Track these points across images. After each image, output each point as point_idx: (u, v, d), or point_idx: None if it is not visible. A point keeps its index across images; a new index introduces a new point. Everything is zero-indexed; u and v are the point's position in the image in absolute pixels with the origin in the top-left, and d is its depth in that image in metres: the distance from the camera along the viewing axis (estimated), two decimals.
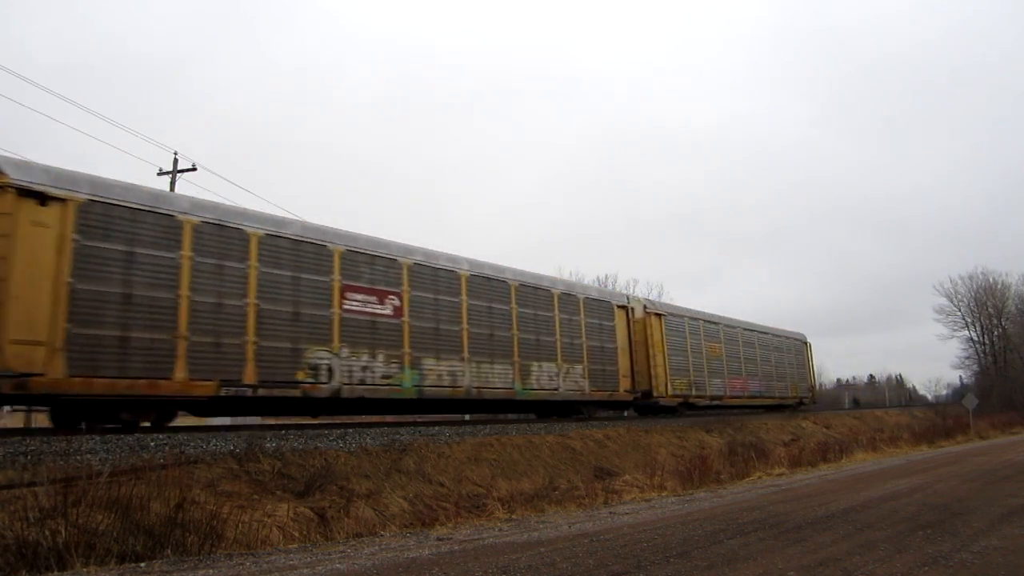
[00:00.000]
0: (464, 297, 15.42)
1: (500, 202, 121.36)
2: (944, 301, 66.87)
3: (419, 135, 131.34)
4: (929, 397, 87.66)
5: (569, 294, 18.76)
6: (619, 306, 20.52)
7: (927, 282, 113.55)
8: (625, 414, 23.71)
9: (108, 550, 5.59)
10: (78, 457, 8.26)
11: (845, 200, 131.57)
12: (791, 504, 9.23)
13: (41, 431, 10.59)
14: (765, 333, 30.35)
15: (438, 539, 6.91)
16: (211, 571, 5.30)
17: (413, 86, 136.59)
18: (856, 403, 72.97)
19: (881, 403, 73.28)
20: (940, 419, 33.76)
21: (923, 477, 12.94)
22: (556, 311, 17.93)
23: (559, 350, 17.72)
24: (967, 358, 68.78)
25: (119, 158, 58.24)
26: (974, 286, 65.98)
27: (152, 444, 9.34)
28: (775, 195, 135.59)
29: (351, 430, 12.11)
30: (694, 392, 23.28)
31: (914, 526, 7.27)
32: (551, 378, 17.30)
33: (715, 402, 24.97)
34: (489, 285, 16.22)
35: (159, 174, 23.92)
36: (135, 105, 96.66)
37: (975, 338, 67.12)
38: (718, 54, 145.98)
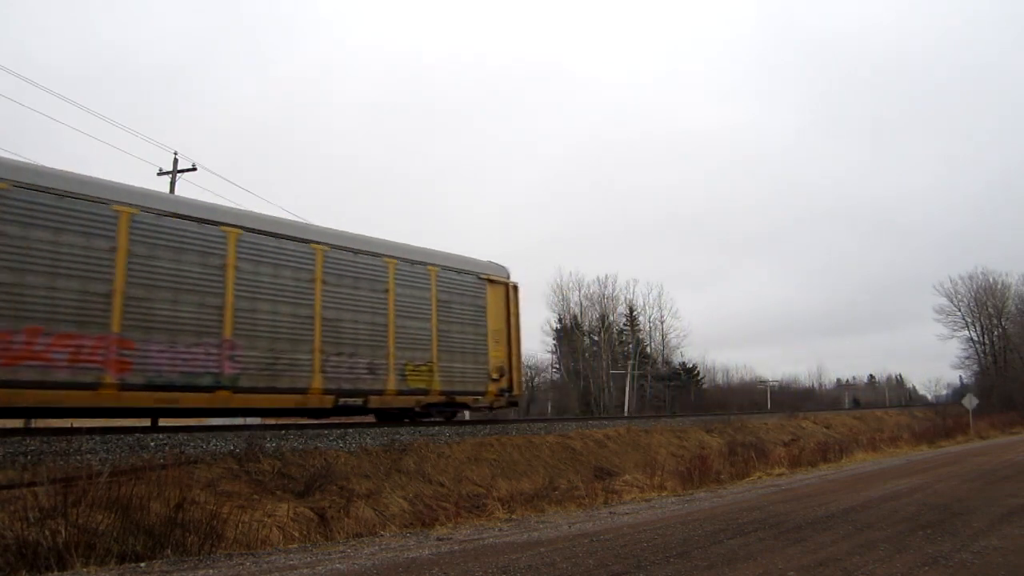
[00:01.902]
0: None
1: (500, 202, 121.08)
2: (944, 301, 66.91)
3: (419, 136, 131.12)
4: (929, 397, 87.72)
5: None
6: None
7: (927, 282, 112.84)
8: None
9: (108, 550, 5.59)
10: (78, 457, 8.28)
11: (845, 200, 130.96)
12: (791, 504, 9.23)
13: (41, 431, 10.59)
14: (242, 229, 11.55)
15: (438, 539, 6.91)
16: (211, 571, 5.30)
17: (414, 88, 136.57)
18: (856, 403, 73.09)
19: (881, 403, 73.38)
20: (940, 419, 33.82)
21: (923, 477, 12.94)
22: None
23: None
24: (967, 358, 68.81)
25: (119, 158, 58.15)
26: (974, 286, 66.03)
27: (152, 444, 9.37)
28: (775, 195, 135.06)
29: (351, 430, 12.11)
30: None
31: (914, 526, 7.27)
32: None
33: None
34: None
35: (159, 174, 23.92)
36: (135, 105, 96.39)
37: (975, 338, 67.17)
38: (718, 55, 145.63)
